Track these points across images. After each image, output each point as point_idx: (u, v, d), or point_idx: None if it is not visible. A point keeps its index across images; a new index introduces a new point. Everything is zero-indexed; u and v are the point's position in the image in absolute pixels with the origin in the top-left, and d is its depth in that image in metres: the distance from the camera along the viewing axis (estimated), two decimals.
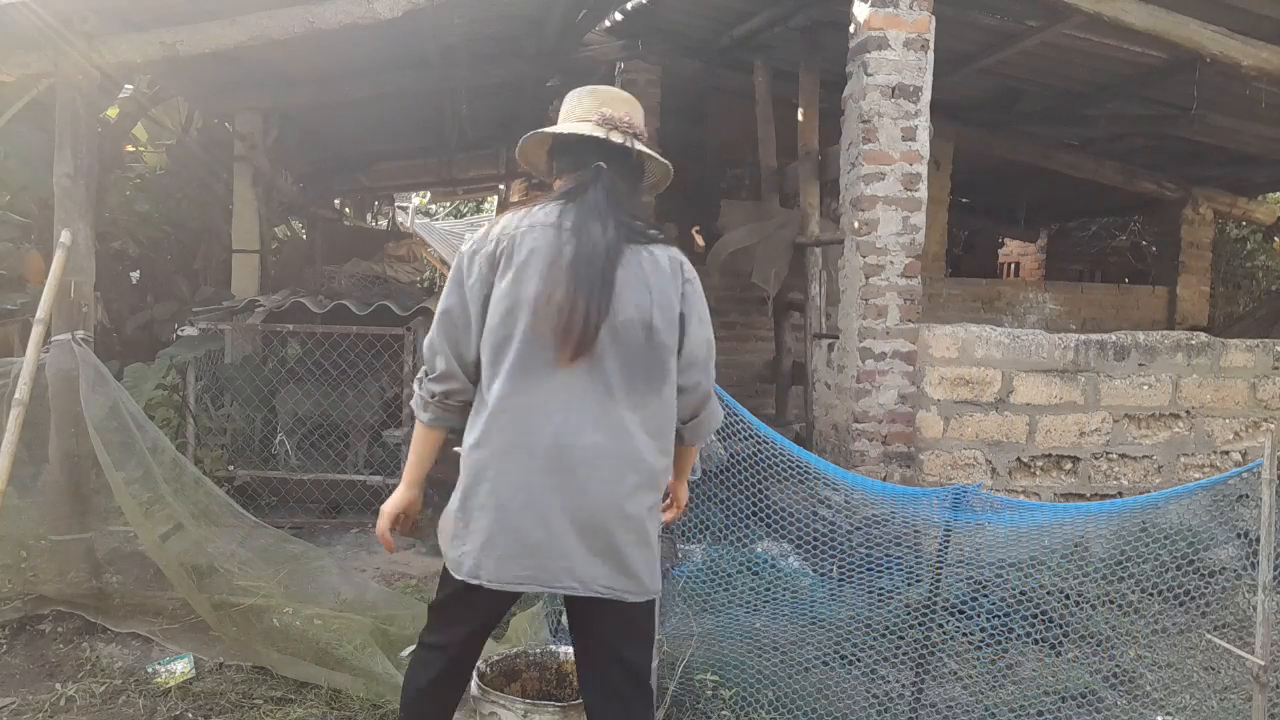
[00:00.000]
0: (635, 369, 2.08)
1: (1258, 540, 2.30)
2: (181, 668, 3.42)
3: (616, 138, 2.18)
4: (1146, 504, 2.94)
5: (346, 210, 13.19)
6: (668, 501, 2.42)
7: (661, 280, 2.12)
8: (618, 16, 6.88)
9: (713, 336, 2.21)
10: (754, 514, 3.46)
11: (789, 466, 3.24)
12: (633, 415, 2.07)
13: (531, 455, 2.04)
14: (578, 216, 2.09)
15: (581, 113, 2.23)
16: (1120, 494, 4.73)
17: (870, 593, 3.34)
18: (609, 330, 2.05)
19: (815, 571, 3.88)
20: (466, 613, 2.21)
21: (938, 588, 3.04)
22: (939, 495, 3.08)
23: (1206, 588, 3.20)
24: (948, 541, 2.98)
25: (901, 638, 3.27)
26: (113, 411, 3.69)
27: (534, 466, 2.03)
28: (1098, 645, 3.64)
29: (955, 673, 3.34)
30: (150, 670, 3.41)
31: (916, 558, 3.35)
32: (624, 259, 2.08)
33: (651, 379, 2.10)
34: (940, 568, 3.02)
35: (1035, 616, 3.35)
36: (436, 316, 2.18)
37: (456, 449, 2.20)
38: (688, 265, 2.21)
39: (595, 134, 2.17)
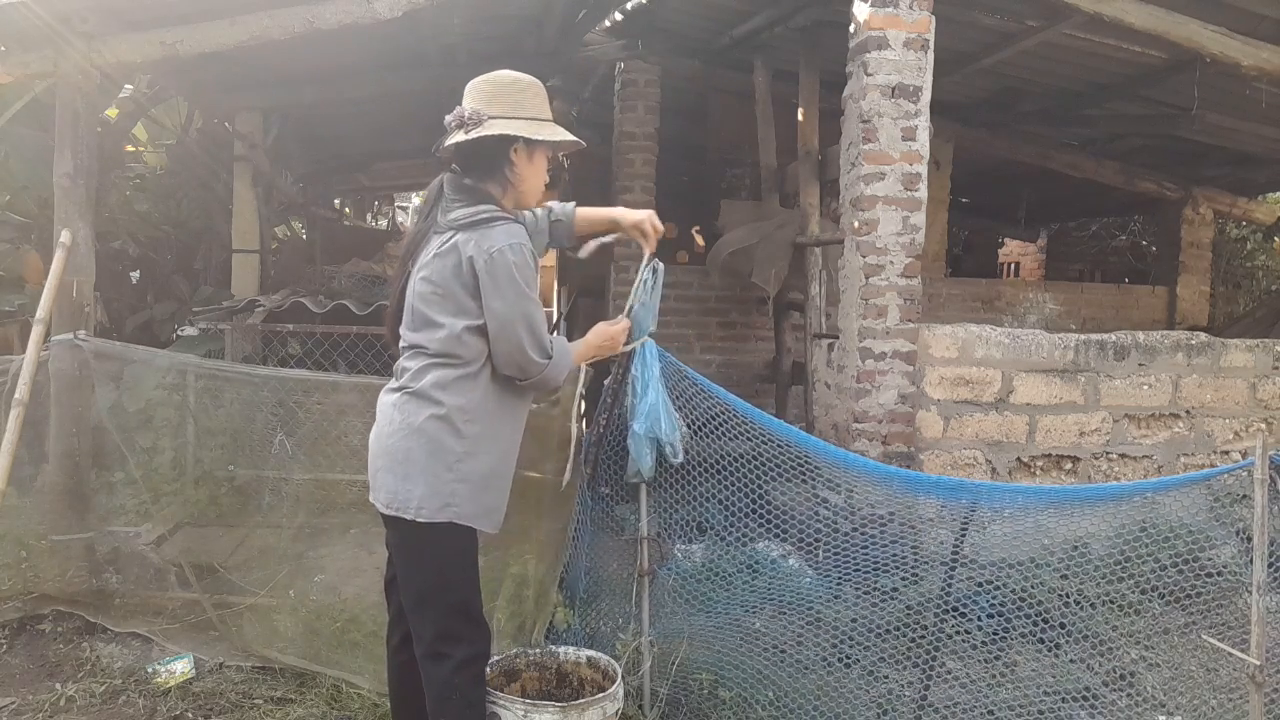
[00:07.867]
0: (407, 339, 2.41)
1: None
2: (181, 668, 3.42)
3: (459, 136, 2.32)
4: (1134, 490, 2.97)
5: (346, 210, 13.19)
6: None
7: (443, 265, 2.29)
8: (618, 16, 6.89)
9: (514, 320, 2.28)
10: (753, 513, 3.45)
11: (789, 463, 3.21)
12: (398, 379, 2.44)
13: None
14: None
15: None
16: None
17: (870, 592, 3.34)
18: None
19: (815, 571, 3.87)
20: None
21: (951, 581, 3.02)
22: (949, 483, 3.03)
23: (1205, 588, 3.19)
24: (964, 532, 2.95)
25: (912, 640, 3.26)
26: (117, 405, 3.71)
27: None
28: (1098, 645, 3.63)
29: (954, 673, 3.34)
30: (150, 670, 3.42)
31: (916, 557, 3.34)
32: (424, 249, 2.36)
33: (414, 346, 2.37)
34: (954, 565, 2.99)
35: (1036, 617, 3.35)
36: None
37: None
38: (483, 257, 2.25)
39: (454, 139, 2.33)
